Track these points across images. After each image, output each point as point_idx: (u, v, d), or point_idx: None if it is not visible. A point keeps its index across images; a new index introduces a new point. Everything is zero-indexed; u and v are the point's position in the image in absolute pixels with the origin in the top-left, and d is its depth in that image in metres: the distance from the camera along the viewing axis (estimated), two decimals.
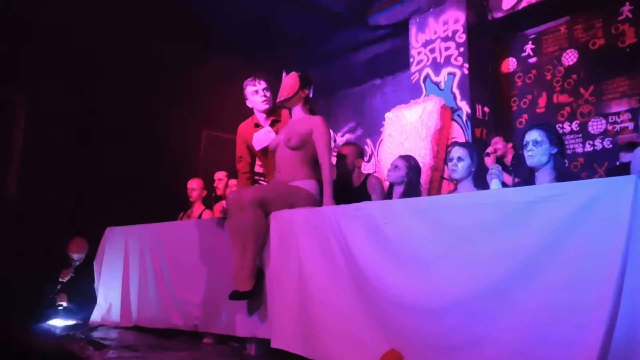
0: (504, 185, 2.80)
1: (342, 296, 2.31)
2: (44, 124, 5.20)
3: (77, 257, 4.47)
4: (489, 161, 4.25)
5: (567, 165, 2.61)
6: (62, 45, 5.27)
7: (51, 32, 5.20)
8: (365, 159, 6.46)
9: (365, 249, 2.25)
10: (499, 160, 4.45)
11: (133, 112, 5.63)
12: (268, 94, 3.34)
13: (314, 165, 2.94)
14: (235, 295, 2.63)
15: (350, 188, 3.63)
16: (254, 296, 2.67)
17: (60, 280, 4.37)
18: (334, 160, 4.57)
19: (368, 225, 2.27)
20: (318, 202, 2.84)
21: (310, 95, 3.03)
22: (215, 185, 5.03)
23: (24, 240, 4.86)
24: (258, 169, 3.60)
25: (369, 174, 3.66)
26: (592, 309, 1.51)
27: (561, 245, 1.65)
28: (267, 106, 3.34)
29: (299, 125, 2.95)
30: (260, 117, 3.41)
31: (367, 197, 3.32)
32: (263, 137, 3.26)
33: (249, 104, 3.41)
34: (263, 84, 3.34)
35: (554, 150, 2.49)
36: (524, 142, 2.55)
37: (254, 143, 3.30)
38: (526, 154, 2.54)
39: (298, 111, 3.01)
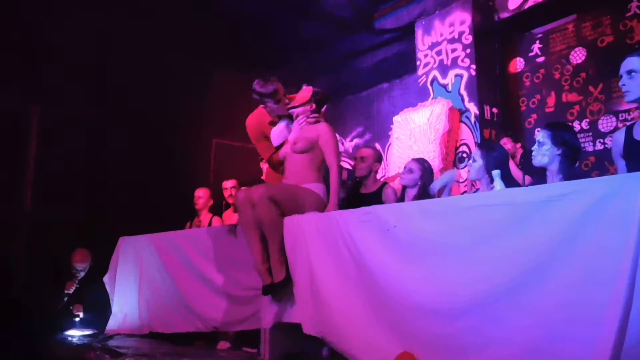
0: (515, 183, 2.78)
1: (354, 299, 2.32)
2: (57, 138, 5.28)
3: (80, 267, 4.50)
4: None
5: (576, 166, 2.52)
6: (75, 59, 5.36)
7: (64, 46, 5.29)
8: None
9: (375, 252, 2.26)
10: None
11: (144, 123, 5.70)
12: (279, 104, 3.19)
13: (322, 171, 2.98)
14: (271, 288, 2.68)
15: (361, 193, 3.65)
16: (288, 283, 2.69)
17: (66, 292, 4.41)
18: (349, 163, 4.57)
19: (377, 229, 2.28)
20: (326, 205, 2.88)
21: (319, 109, 3.07)
22: (228, 194, 5.06)
23: (39, 253, 4.92)
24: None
25: (385, 183, 3.69)
26: (605, 305, 1.51)
27: (573, 243, 1.65)
28: (285, 112, 3.23)
29: (305, 131, 3.02)
30: None
31: None
32: (283, 131, 3.21)
33: (269, 104, 3.24)
34: (280, 89, 3.18)
35: (558, 152, 2.40)
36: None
37: (273, 139, 3.22)
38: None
39: (301, 120, 3.07)
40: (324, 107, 3.11)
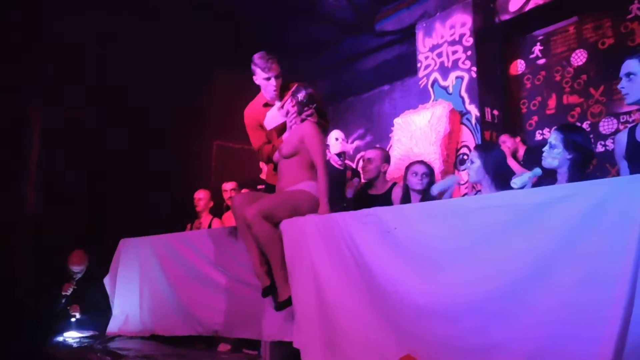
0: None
1: (357, 302, 2.31)
2: (58, 138, 5.29)
3: (77, 269, 4.51)
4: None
5: (584, 173, 2.45)
6: (77, 61, 5.36)
7: (66, 47, 5.29)
8: None
9: (377, 254, 2.26)
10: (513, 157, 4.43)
11: (145, 125, 5.70)
12: (279, 81, 3.20)
13: (314, 169, 2.91)
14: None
15: (371, 194, 3.64)
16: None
17: (64, 294, 4.42)
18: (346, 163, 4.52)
19: (379, 231, 2.27)
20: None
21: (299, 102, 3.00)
22: (228, 196, 5.06)
23: (40, 253, 4.92)
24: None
25: (395, 183, 3.67)
26: (607, 306, 1.52)
27: (575, 244, 1.65)
28: (275, 96, 3.19)
29: (291, 133, 3.00)
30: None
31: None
32: (276, 115, 3.16)
33: (256, 80, 3.24)
34: (275, 70, 3.18)
35: (569, 156, 2.38)
36: None
37: (266, 123, 3.19)
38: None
39: (291, 119, 3.02)
40: (310, 100, 2.96)
